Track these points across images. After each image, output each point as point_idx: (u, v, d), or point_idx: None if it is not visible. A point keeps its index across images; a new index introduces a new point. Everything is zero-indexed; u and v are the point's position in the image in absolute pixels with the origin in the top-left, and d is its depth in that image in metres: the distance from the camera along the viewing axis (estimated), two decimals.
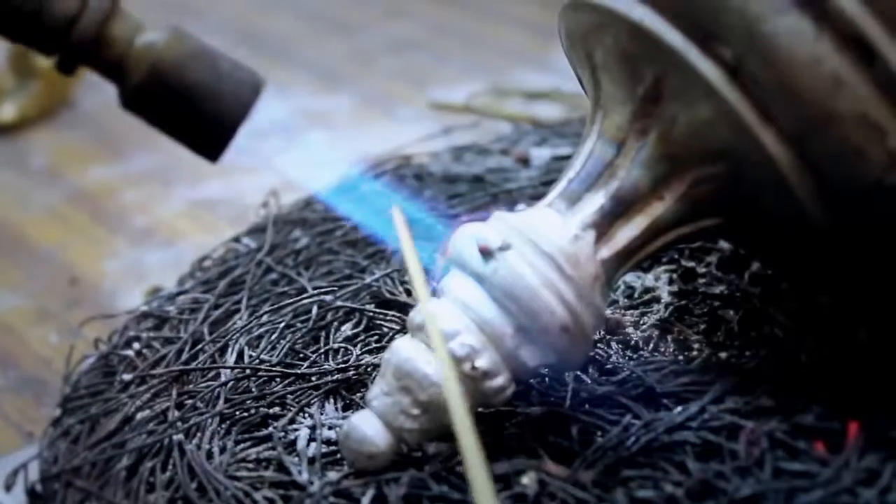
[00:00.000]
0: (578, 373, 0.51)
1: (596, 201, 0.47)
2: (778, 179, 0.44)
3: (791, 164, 0.44)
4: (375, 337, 0.57)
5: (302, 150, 0.91)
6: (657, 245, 0.48)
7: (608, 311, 0.54)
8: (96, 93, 0.97)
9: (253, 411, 0.52)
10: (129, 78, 0.50)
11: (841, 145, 0.43)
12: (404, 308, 0.58)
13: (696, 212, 0.47)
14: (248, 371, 0.55)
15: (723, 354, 0.52)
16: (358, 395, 0.53)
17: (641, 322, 0.55)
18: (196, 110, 0.45)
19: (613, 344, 0.54)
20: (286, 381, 0.54)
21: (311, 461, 0.49)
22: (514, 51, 1.09)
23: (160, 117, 0.50)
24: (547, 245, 0.45)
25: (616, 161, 0.47)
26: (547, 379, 0.50)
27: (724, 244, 0.58)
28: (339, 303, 0.59)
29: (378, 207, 0.66)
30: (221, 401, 0.53)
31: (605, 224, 0.47)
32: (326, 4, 1.28)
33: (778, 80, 0.43)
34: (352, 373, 0.54)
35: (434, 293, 0.48)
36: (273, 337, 0.57)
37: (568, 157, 0.71)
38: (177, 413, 0.53)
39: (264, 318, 0.59)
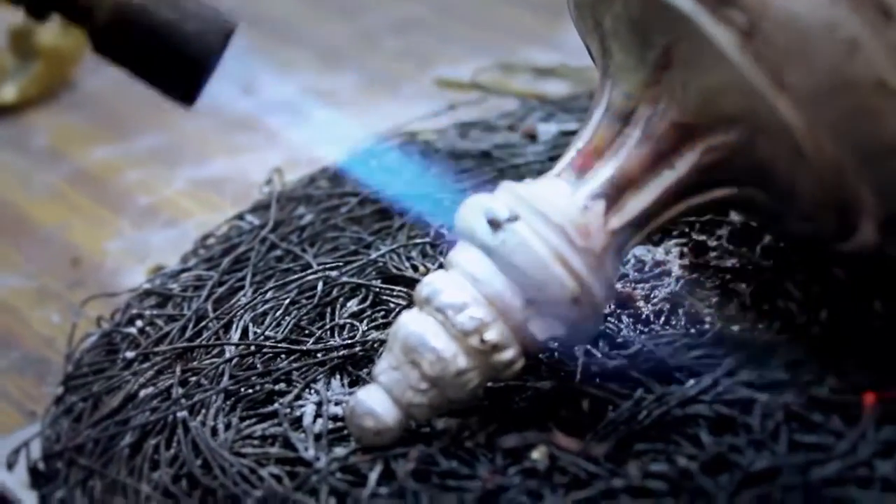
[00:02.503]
0: (589, 346, 0.50)
1: (606, 171, 0.46)
2: (792, 147, 0.43)
3: (806, 131, 0.43)
4: (382, 312, 0.56)
5: (306, 129, 0.90)
6: (668, 216, 0.47)
7: (618, 285, 0.53)
8: (97, 74, 0.97)
9: (258, 388, 0.52)
10: (95, 21, 0.49)
11: (857, 110, 0.42)
12: (411, 283, 0.57)
13: (707, 181, 0.47)
14: (252, 347, 0.54)
15: (735, 327, 0.51)
16: (364, 370, 0.52)
17: (652, 295, 0.54)
18: (162, 51, 0.45)
19: (624, 317, 0.53)
20: (291, 358, 0.53)
21: (318, 437, 0.48)
22: (519, 29, 1.08)
23: (129, 60, 0.49)
24: (556, 216, 0.45)
25: (626, 130, 0.47)
26: (557, 353, 0.49)
27: (735, 217, 0.57)
28: (344, 279, 0.58)
29: (395, 177, 0.65)
30: (226, 377, 0.52)
31: (614, 194, 0.46)
32: None
33: (792, 45, 0.42)
34: (358, 349, 0.53)
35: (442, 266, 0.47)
36: (278, 313, 0.56)
37: (575, 132, 0.70)
38: (181, 390, 0.52)
39: (269, 295, 0.58)
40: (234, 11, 0.43)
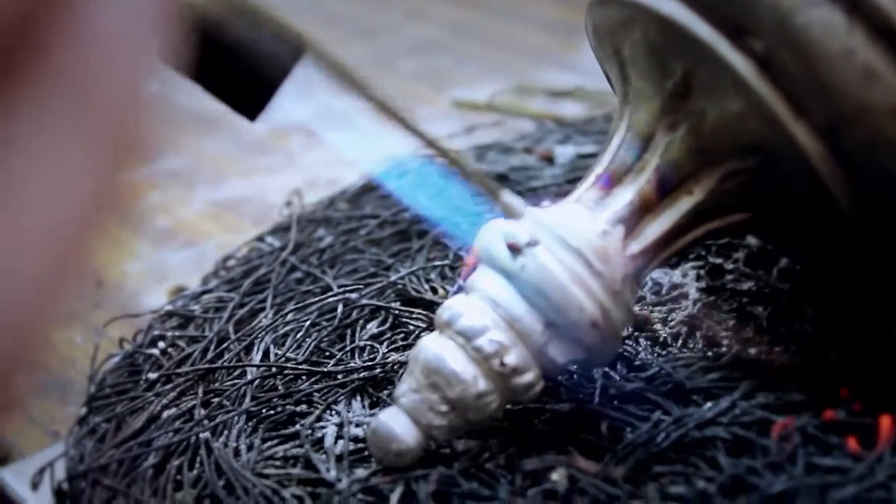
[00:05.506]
0: (607, 369, 0.50)
1: (625, 197, 0.47)
2: (809, 172, 0.44)
3: (823, 157, 0.43)
4: (401, 335, 0.57)
5: (323, 150, 0.91)
6: (686, 240, 0.48)
7: (636, 308, 0.54)
8: None
9: (280, 409, 0.52)
10: None
11: (874, 137, 0.42)
12: (430, 306, 0.57)
13: (725, 206, 0.47)
14: (274, 369, 0.54)
15: (752, 350, 0.52)
16: (384, 392, 0.52)
17: (669, 318, 0.55)
18: (236, 69, 0.45)
19: (642, 340, 0.53)
20: (312, 379, 0.54)
21: (339, 458, 0.49)
22: (534, 51, 1.09)
23: (200, 74, 0.50)
24: (576, 240, 0.45)
25: (645, 156, 0.47)
26: (575, 375, 0.50)
27: (751, 240, 0.58)
28: (364, 301, 0.58)
29: (413, 199, 0.65)
30: (248, 399, 0.53)
31: (633, 219, 0.47)
32: (347, 8, 1.28)
33: (810, 72, 0.43)
34: (378, 370, 0.54)
35: (461, 290, 0.47)
36: (299, 335, 0.57)
37: (592, 155, 0.71)
38: (203, 411, 0.53)
39: (290, 317, 0.58)
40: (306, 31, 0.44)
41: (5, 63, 0.17)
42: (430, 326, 0.54)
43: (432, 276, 0.61)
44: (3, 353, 0.17)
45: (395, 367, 0.54)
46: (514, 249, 0.45)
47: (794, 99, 0.43)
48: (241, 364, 0.55)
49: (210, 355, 0.57)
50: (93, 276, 0.75)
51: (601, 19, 0.49)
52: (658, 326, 0.54)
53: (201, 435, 0.51)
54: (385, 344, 0.56)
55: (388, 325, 0.57)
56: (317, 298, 0.59)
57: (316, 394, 0.53)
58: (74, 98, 0.18)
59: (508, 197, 0.45)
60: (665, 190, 0.47)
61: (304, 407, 0.52)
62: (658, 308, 0.55)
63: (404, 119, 0.44)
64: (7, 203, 0.17)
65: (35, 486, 0.54)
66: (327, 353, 0.56)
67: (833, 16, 0.42)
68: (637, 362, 0.51)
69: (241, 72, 0.45)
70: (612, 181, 0.47)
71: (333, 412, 0.52)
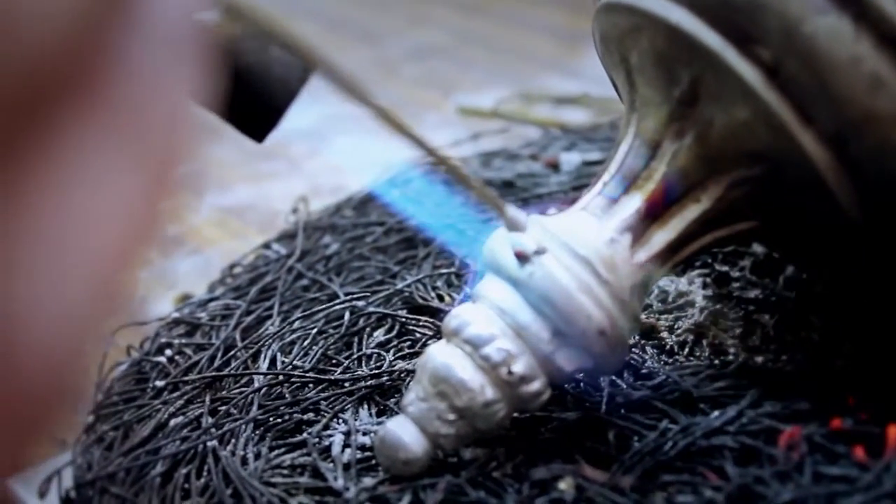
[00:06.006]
0: (614, 377, 0.50)
1: (632, 204, 0.47)
2: (817, 181, 0.44)
3: (830, 165, 0.43)
4: (408, 342, 0.57)
5: (328, 157, 0.91)
6: (693, 248, 0.48)
7: (643, 316, 0.54)
8: None
9: (287, 417, 0.52)
10: None
11: (881, 145, 0.42)
12: (436, 313, 0.57)
13: (732, 214, 0.47)
14: (281, 377, 0.54)
15: (759, 359, 0.52)
16: (392, 400, 0.52)
17: (676, 326, 0.55)
18: (244, 93, 0.45)
19: (648, 348, 0.53)
20: (320, 387, 0.54)
21: (347, 467, 0.49)
22: (538, 57, 1.09)
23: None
24: (583, 249, 0.45)
25: (651, 164, 0.47)
26: (583, 384, 0.50)
27: (757, 248, 0.58)
28: (371, 308, 0.59)
29: (419, 206, 0.65)
30: (255, 407, 0.53)
31: (641, 227, 0.47)
32: (350, 13, 1.28)
33: (817, 80, 0.43)
34: (385, 378, 0.54)
35: (468, 298, 0.47)
36: (306, 343, 0.57)
37: (598, 162, 0.71)
38: (210, 419, 0.53)
39: (296, 324, 0.59)
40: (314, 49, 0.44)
41: (49, 95, 0.17)
42: (437, 334, 0.55)
43: (439, 283, 0.61)
44: (44, 382, 0.18)
45: (402, 375, 0.54)
46: (522, 258, 0.45)
47: (802, 107, 0.43)
48: (248, 372, 0.56)
49: (217, 363, 0.57)
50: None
51: (609, 27, 0.49)
52: (665, 334, 0.54)
53: (209, 443, 0.51)
54: (392, 352, 0.56)
55: (394, 332, 0.57)
56: (323, 306, 0.60)
57: (323, 402, 0.53)
58: (119, 125, 0.18)
59: (512, 210, 0.45)
60: (672, 198, 0.47)
61: (311, 415, 0.53)
62: (665, 316, 0.55)
63: (411, 133, 0.44)
64: (52, 228, 0.17)
65: (43, 494, 0.54)
66: (334, 361, 0.56)
67: (840, 24, 0.42)
68: (644, 370, 0.51)
69: (250, 95, 0.45)
70: (619, 189, 0.47)
71: (341, 420, 0.52)
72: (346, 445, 0.50)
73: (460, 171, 0.47)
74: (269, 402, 0.53)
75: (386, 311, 0.58)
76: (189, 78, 0.19)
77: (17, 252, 0.17)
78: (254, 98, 0.45)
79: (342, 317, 0.58)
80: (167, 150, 0.19)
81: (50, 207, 0.17)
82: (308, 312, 0.59)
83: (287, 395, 0.54)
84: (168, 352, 0.60)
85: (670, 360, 0.53)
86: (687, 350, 0.53)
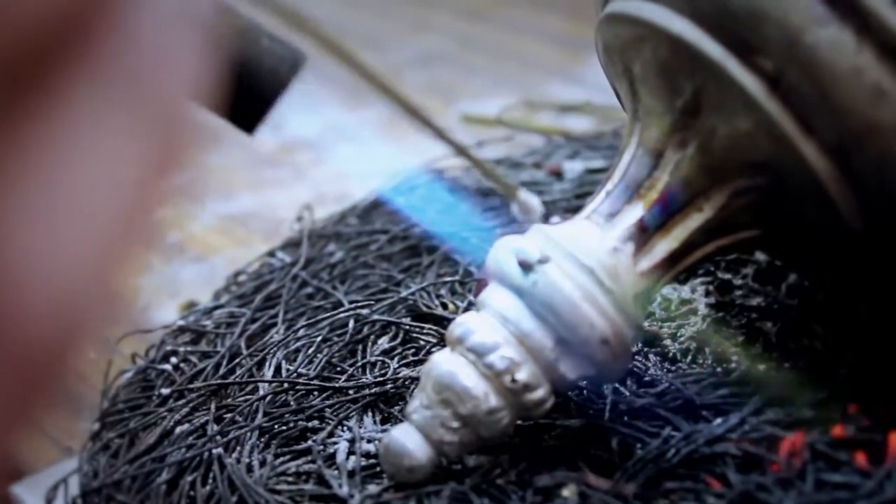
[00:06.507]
0: (617, 385, 0.51)
1: (635, 214, 0.47)
2: (819, 191, 0.44)
3: (832, 176, 0.44)
4: (412, 350, 0.57)
5: (332, 164, 0.91)
6: (696, 257, 0.48)
7: (645, 324, 0.54)
8: None
9: (292, 425, 0.53)
10: None
11: (883, 156, 0.43)
12: (440, 321, 0.58)
13: (734, 224, 0.47)
14: (286, 385, 0.55)
15: (761, 366, 0.52)
16: (396, 408, 0.53)
17: (679, 334, 0.55)
18: (235, 85, 0.45)
19: (651, 356, 0.54)
20: (324, 395, 0.54)
21: (351, 474, 0.49)
22: (541, 64, 1.09)
23: None
24: (586, 258, 0.45)
25: (654, 173, 0.47)
26: (586, 391, 0.50)
27: (760, 256, 0.58)
28: (375, 316, 0.59)
29: (423, 214, 0.66)
30: (260, 414, 0.53)
31: (644, 236, 0.47)
32: (353, 19, 1.28)
33: (819, 91, 0.43)
34: (389, 386, 0.54)
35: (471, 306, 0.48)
36: (310, 350, 0.57)
37: (601, 170, 0.71)
38: (216, 427, 0.53)
39: (301, 332, 0.59)
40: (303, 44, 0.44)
41: (49, 61, 0.17)
42: (441, 342, 0.55)
43: (442, 291, 0.61)
44: (38, 353, 0.17)
45: (407, 382, 0.54)
46: (525, 266, 0.45)
47: (804, 118, 0.44)
48: (253, 380, 0.56)
49: (222, 371, 0.57)
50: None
51: (611, 37, 0.50)
52: (667, 342, 0.54)
53: (214, 451, 0.51)
54: (396, 359, 0.56)
55: (398, 340, 0.58)
56: (328, 314, 0.60)
57: (328, 409, 0.53)
58: (119, 93, 0.18)
59: (524, 194, 0.46)
60: (675, 207, 0.47)
61: (316, 422, 0.53)
62: (667, 324, 0.56)
63: (421, 114, 0.44)
64: (44, 189, 0.17)
65: (49, 501, 0.54)
66: (339, 369, 0.56)
67: (842, 35, 0.42)
68: (647, 378, 0.52)
69: (241, 88, 0.45)
70: (622, 198, 0.47)
71: (345, 428, 0.52)
72: (350, 453, 0.50)
73: (472, 154, 0.47)
74: (274, 410, 0.53)
75: (390, 318, 0.59)
76: (191, 60, 0.19)
77: (6, 214, 0.17)
78: (244, 89, 0.45)
79: (346, 324, 0.59)
80: (170, 121, 0.19)
81: (41, 170, 0.17)
82: (313, 320, 0.59)
83: (292, 403, 0.54)
84: (173, 359, 0.60)
85: (673, 368, 0.53)
86: (689, 358, 0.54)
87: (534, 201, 0.45)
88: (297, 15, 0.41)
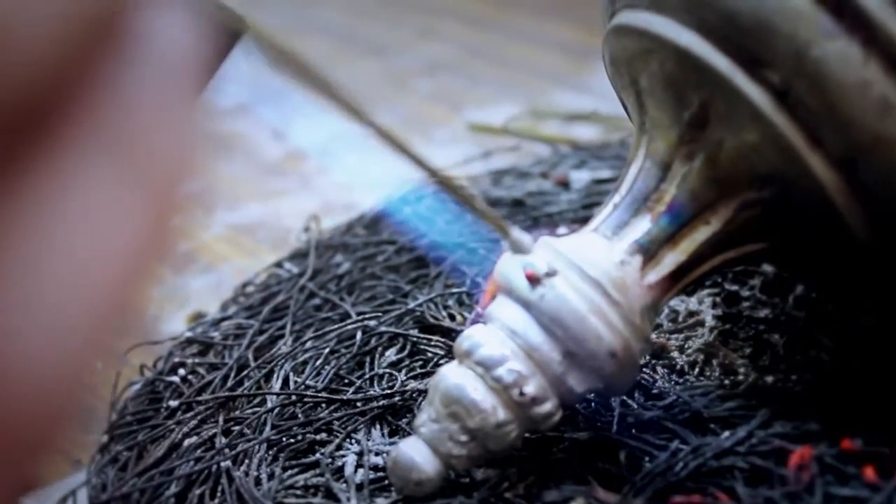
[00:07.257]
0: (625, 398, 0.51)
1: (642, 226, 0.47)
2: (826, 203, 0.44)
3: (839, 188, 0.44)
4: (420, 362, 0.57)
5: (339, 173, 0.91)
6: (703, 269, 0.48)
7: (653, 336, 0.54)
8: None
9: (300, 437, 0.53)
10: None
11: (890, 168, 0.43)
12: (448, 333, 0.58)
13: (741, 236, 0.47)
14: (293, 397, 0.55)
15: (769, 378, 0.52)
16: (404, 420, 0.53)
17: (686, 346, 0.55)
18: None
19: (659, 368, 0.54)
20: (332, 407, 0.54)
21: (359, 487, 0.49)
22: (548, 72, 1.09)
23: None
24: (594, 271, 0.45)
25: (662, 186, 0.47)
26: (594, 404, 0.50)
27: (767, 267, 0.58)
28: (383, 328, 0.59)
29: (430, 224, 0.66)
30: (268, 427, 0.53)
31: (651, 249, 0.47)
32: (360, 27, 1.28)
33: (826, 104, 0.43)
34: (397, 398, 0.54)
35: (479, 319, 0.48)
36: (318, 363, 0.57)
37: (608, 180, 0.71)
38: (224, 440, 0.53)
39: (308, 344, 0.59)
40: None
41: (42, 121, 0.17)
42: (449, 354, 0.55)
43: (450, 302, 0.61)
44: (44, 411, 0.18)
45: (415, 394, 0.54)
46: (533, 280, 0.45)
47: (811, 130, 0.44)
48: (261, 392, 0.56)
49: (230, 383, 0.57)
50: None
51: (618, 50, 0.50)
52: (675, 354, 0.54)
53: (222, 464, 0.51)
54: (404, 371, 0.56)
55: (406, 352, 0.58)
56: (335, 325, 0.60)
57: (335, 422, 0.53)
58: (113, 147, 0.18)
59: (516, 232, 0.46)
60: (682, 220, 0.47)
61: (323, 435, 0.53)
62: (675, 336, 0.56)
63: (411, 153, 0.44)
64: (43, 247, 0.17)
65: None
66: (346, 381, 0.56)
67: (849, 48, 0.42)
68: (654, 391, 0.52)
69: None
70: (629, 211, 0.47)
71: (353, 441, 0.52)
72: (358, 466, 0.50)
73: (464, 191, 0.47)
74: (282, 423, 0.53)
75: (398, 330, 0.59)
76: (185, 103, 0.19)
77: (6, 269, 0.17)
78: None
79: (354, 336, 0.59)
80: (169, 171, 0.19)
81: (39, 227, 0.17)
82: (320, 332, 0.60)
83: (300, 415, 0.54)
84: (181, 371, 0.60)
85: (681, 380, 0.53)
86: (697, 370, 0.54)
87: (526, 239, 0.45)
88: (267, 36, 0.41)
